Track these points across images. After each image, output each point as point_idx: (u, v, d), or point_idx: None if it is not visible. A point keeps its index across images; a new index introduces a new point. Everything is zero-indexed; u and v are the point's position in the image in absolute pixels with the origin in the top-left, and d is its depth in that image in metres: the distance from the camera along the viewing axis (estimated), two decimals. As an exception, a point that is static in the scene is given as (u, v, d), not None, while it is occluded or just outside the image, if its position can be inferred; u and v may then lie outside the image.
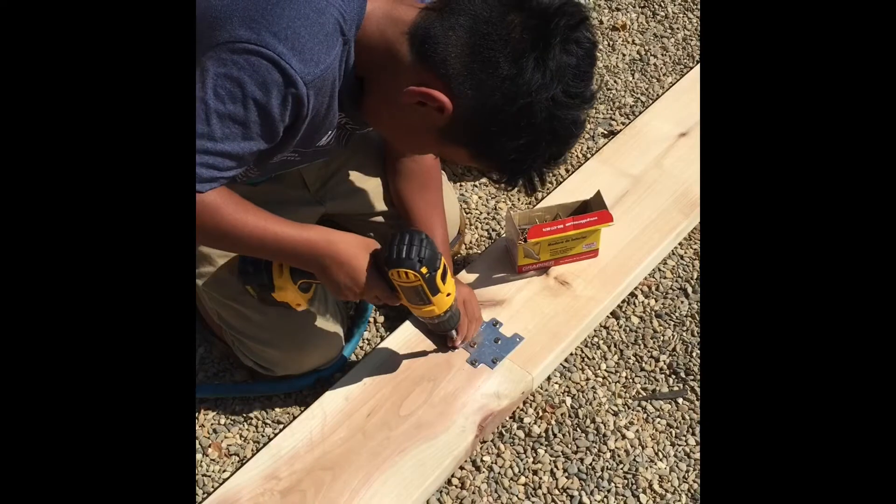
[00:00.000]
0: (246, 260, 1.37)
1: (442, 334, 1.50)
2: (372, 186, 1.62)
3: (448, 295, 1.37)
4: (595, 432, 1.49)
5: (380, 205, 1.62)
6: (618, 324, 1.65)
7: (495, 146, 1.19)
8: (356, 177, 1.61)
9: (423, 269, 1.30)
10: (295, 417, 1.47)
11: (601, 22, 2.30)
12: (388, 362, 1.51)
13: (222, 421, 1.51)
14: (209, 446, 1.47)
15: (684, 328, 1.64)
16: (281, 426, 1.49)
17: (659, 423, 1.50)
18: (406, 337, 1.55)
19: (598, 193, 1.65)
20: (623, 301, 1.68)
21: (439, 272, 1.33)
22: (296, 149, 1.28)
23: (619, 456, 1.46)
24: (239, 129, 1.14)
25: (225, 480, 1.39)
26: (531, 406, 1.52)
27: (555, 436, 1.48)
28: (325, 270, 1.29)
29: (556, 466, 1.45)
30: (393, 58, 1.18)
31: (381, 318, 1.66)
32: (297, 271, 1.35)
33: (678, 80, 2.10)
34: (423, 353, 1.52)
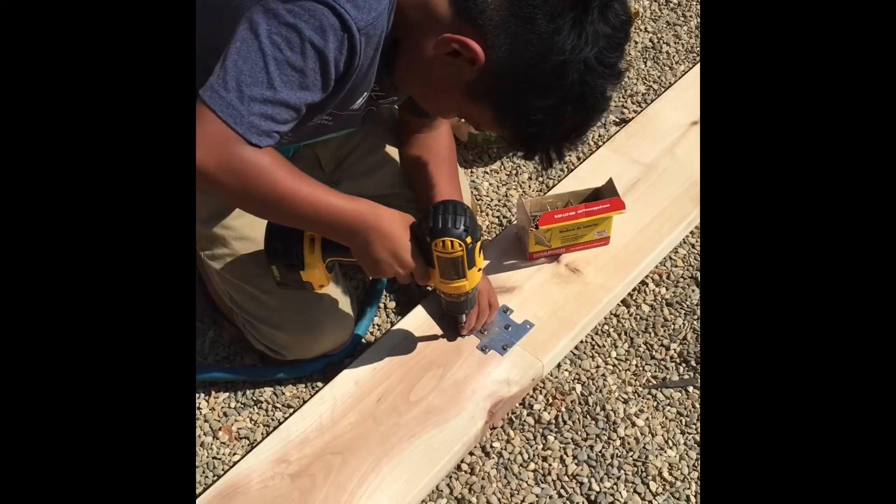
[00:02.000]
0: (274, 237, 1.35)
1: (455, 316, 1.49)
2: (387, 167, 1.61)
3: (479, 270, 1.37)
4: (605, 420, 1.49)
5: (395, 186, 1.61)
6: (628, 312, 1.64)
7: (521, 106, 1.18)
8: (371, 157, 1.61)
9: (468, 239, 1.30)
10: (305, 402, 1.47)
11: (613, 9, 2.29)
12: (399, 348, 1.51)
13: (232, 404, 1.52)
14: (219, 429, 1.48)
15: (695, 317, 1.63)
16: (291, 410, 1.49)
17: (669, 411, 1.50)
18: (417, 322, 1.55)
19: (610, 181, 1.64)
20: (634, 289, 1.67)
21: (478, 244, 1.33)
22: (331, 111, 1.28)
23: (628, 443, 1.46)
24: (297, 76, 1.13)
25: (235, 463, 1.39)
26: (541, 393, 1.52)
27: (564, 423, 1.48)
28: (366, 245, 1.28)
29: (565, 453, 1.45)
30: (430, 12, 1.18)
31: (391, 304, 1.66)
32: (328, 248, 1.34)
33: (691, 69, 2.09)
34: (434, 338, 1.52)
